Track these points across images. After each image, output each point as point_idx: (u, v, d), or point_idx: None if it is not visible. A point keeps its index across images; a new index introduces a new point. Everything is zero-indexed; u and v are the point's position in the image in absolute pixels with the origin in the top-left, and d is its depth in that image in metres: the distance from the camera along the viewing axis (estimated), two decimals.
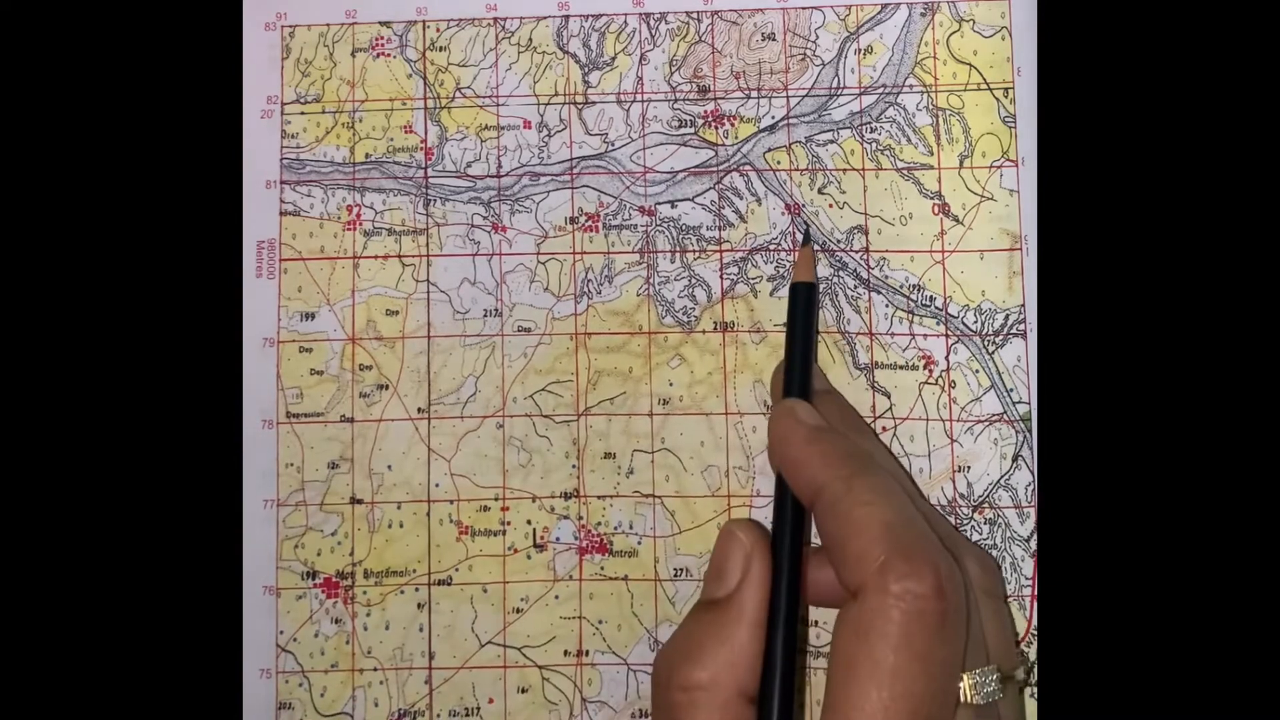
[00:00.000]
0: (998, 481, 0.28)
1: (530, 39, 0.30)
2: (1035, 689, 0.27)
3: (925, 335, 0.28)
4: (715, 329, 0.29)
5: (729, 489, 0.28)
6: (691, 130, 0.29)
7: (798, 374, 0.25)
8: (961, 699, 0.21)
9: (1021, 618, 0.27)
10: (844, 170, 0.29)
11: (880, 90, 0.29)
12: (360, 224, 0.29)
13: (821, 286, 0.29)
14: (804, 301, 0.26)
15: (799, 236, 0.29)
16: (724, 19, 0.30)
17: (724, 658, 0.21)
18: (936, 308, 0.28)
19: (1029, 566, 0.27)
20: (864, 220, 0.29)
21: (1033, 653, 0.27)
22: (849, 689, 0.20)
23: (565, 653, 0.28)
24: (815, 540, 0.24)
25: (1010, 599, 0.27)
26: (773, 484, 0.25)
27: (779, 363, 0.27)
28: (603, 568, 0.28)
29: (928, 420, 0.28)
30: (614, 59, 0.30)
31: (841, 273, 0.29)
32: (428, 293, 0.29)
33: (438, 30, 0.30)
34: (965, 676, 0.21)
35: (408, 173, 0.30)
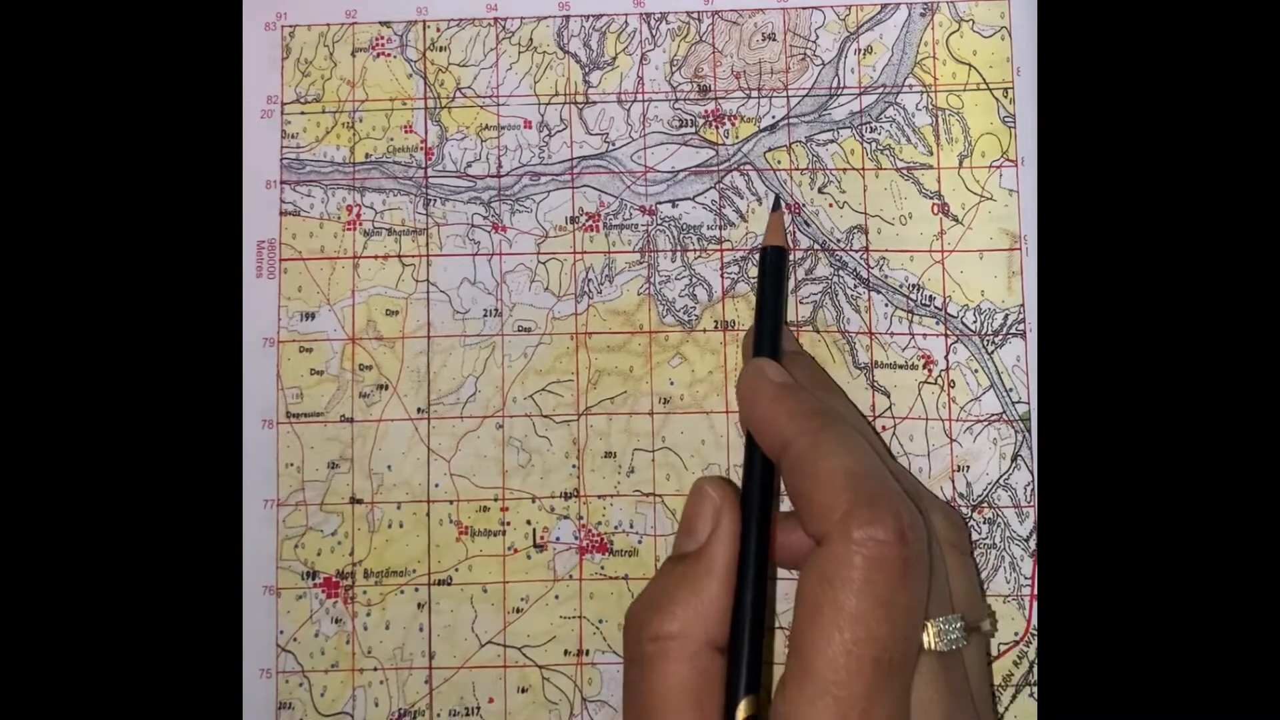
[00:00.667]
0: (997, 481, 0.28)
1: (531, 39, 0.30)
2: (1035, 688, 0.27)
3: (925, 335, 0.28)
4: (716, 328, 0.29)
5: None
6: (692, 130, 0.29)
7: (768, 335, 0.26)
8: (925, 645, 0.21)
9: (1021, 617, 0.27)
10: (844, 170, 0.29)
11: (880, 90, 0.29)
12: (360, 224, 0.29)
13: (821, 286, 0.29)
14: (773, 264, 0.27)
15: (798, 236, 0.29)
16: (724, 19, 0.30)
17: (694, 609, 0.22)
18: (936, 307, 0.28)
19: (1028, 566, 0.28)
20: (864, 220, 0.29)
21: (1032, 651, 0.27)
22: (813, 633, 0.20)
23: (565, 652, 0.28)
24: (786, 505, 0.24)
25: (1010, 598, 0.27)
26: (745, 447, 0.25)
27: (750, 326, 0.27)
28: (603, 567, 0.28)
29: (927, 420, 0.28)
30: (615, 59, 0.30)
31: (841, 272, 0.29)
32: (428, 293, 0.29)
33: (438, 30, 0.30)
34: (929, 624, 0.21)
35: (408, 173, 0.30)
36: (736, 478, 0.28)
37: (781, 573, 0.27)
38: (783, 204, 0.29)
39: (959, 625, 0.22)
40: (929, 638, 0.21)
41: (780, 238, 0.27)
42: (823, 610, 0.20)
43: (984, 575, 0.28)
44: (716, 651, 0.22)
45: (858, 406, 0.28)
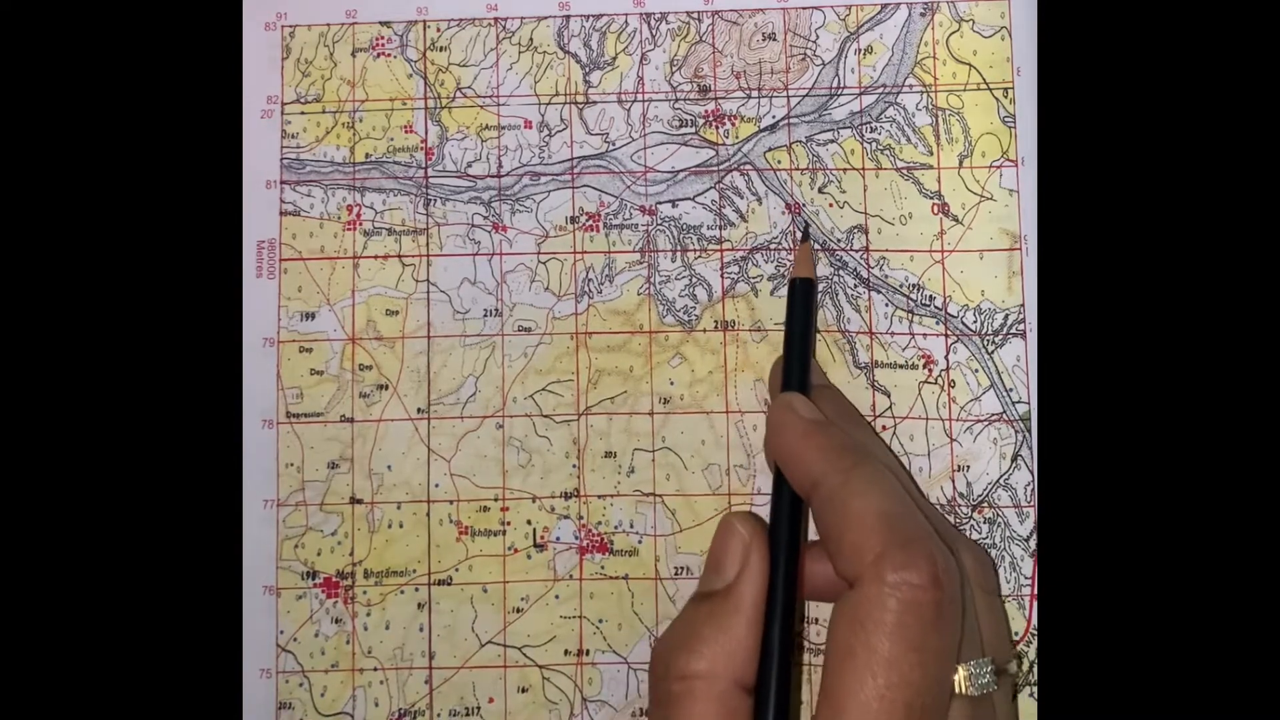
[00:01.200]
0: (997, 481, 0.28)
1: (531, 39, 0.30)
2: (1035, 688, 0.27)
3: (925, 335, 0.28)
4: (716, 328, 0.29)
5: (730, 487, 0.28)
6: (692, 130, 0.29)
7: (796, 369, 0.26)
8: (956, 690, 0.21)
9: (1021, 617, 0.27)
10: (844, 170, 0.29)
11: (880, 90, 0.29)
12: (360, 224, 0.29)
13: (821, 286, 0.29)
14: (802, 297, 0.27)
15: (799, 235, 0.29)
16: (724, 19, 0.30)
17: (722, 648, 0.21)
18: (936, 307, 0.28)
19: (1028, 566, 0.27)
20: (864, 220, 0.29)
21: (1032, 651, 0.27)
22: (844, 677, 0.20)
23: (565, 652, 0.28)
24: (813, 536, 0.24)
25: (1010, 598, 0.27)
26: (772, 483, 0.25)
27: (778, 358, 0.27)
28: (603, 567, 0.28)
29: (927, 419, 0.28)
30: (615, 59, 0.30)
31: (841, 272, 0.29)
32: (428, 293, 0.29)
33: (438, 30, 0.30)
34: (960, 667, 0.21)
35: (408, 173, 0.30)
36: (736, 476, 0.28)
37: (810, 609, 0.27)
38: (812, 234, 0.28)
39: (989, 669, 0.22)
40: (960, 682, 0.21)
41: (808, 269, 0.27)
42: (855, 654, 0.20)
43: None
44: (744, 691, 0.21)
45: (886, 443, 0.27)
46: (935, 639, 0.20)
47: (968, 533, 0.28)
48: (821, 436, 0.23)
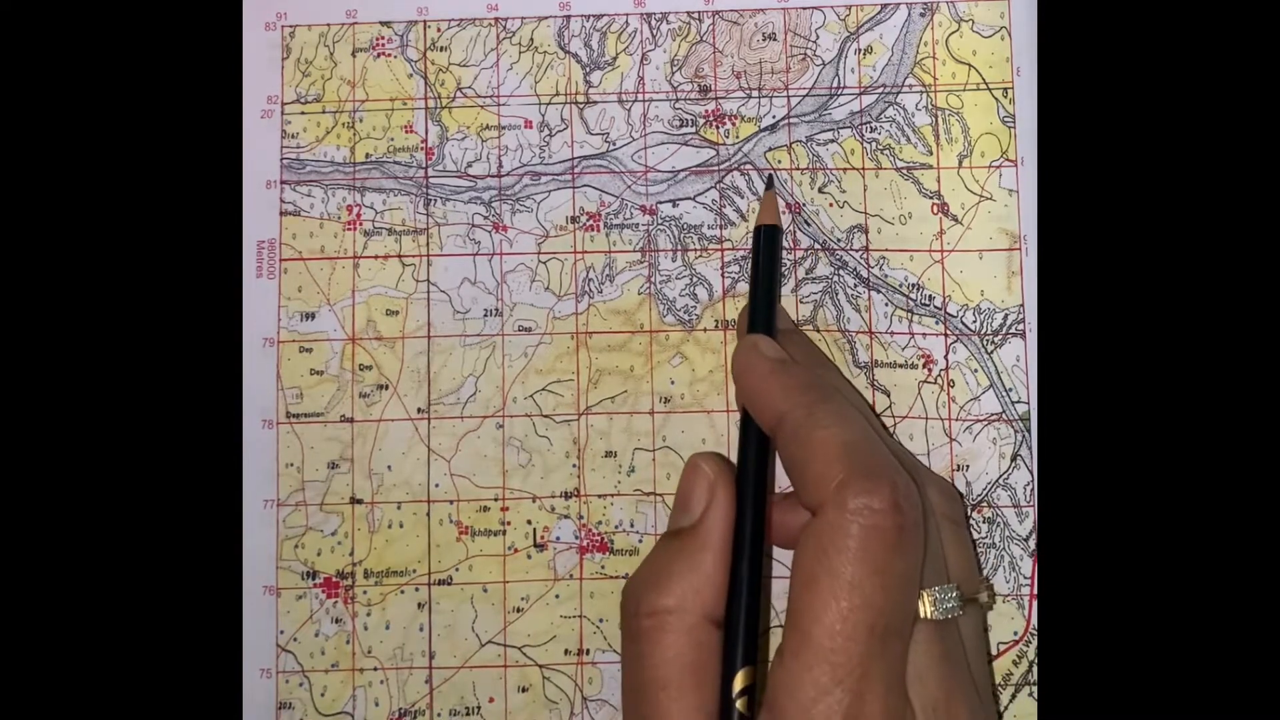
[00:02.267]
0: (996, 481, 0.28)
1: (531, 39, 0.30)
2: (1035, 688, 0.27)
3: (924, 334, 0.28)
4: (716, 327, 0.29)
5: None
6: (692, 130, 0.29)
7: (761, 311, 0.26)
8: (921, 614, 0.22)
9: (1021, 617, 0.27)
10: (844, 170, 0.29)
11: (880, 90, 0.29)
12: (360, 224, 0.29)
13: (821, 286, 0.29)
14: (767, 243, 0.27)
15: (799, 236, 0.29)
16: (725, 19, 0.30)
17: (690, 584, 0.22)
18: (936, 307, 0.28)
19: (1028, 566, 0.28)
20: (864, 219, 0.29)
21: (1032, 651, 0.27)
22: (809, 601, 0.20)
23: (566, 651, 0.28)
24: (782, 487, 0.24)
25: (1009, 598, 0.27)
26: (740, 423, 0.25)
27: (745, 305, 0.27)
28: (603, 566, 0.28)
29: (927, 419, 0.28)
30: (615, 59, 0.30)
31: (841, 271, 0.29)
32: (428, 293, 0.29)
33: (438, 30, 0.30)
34: (925, 593, 0.22)
35: (408, 173, 0.30)
36: None
37: (777, 552, 0.27)
38: (775, 182, 0.29)
39: (954, 595, 0.22)
40: (924, 606, 0.22)
41: (773, 216, 0.27)
42: (819, 579, 0.20)
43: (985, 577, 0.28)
44: (713, 625, 0.22)
45: (852, 383, 0.28)
46: (897, 562, 0.20)
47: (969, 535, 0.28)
48: (786, 375, 0.24)
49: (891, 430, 0.28)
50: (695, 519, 0.23)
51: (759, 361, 0.24)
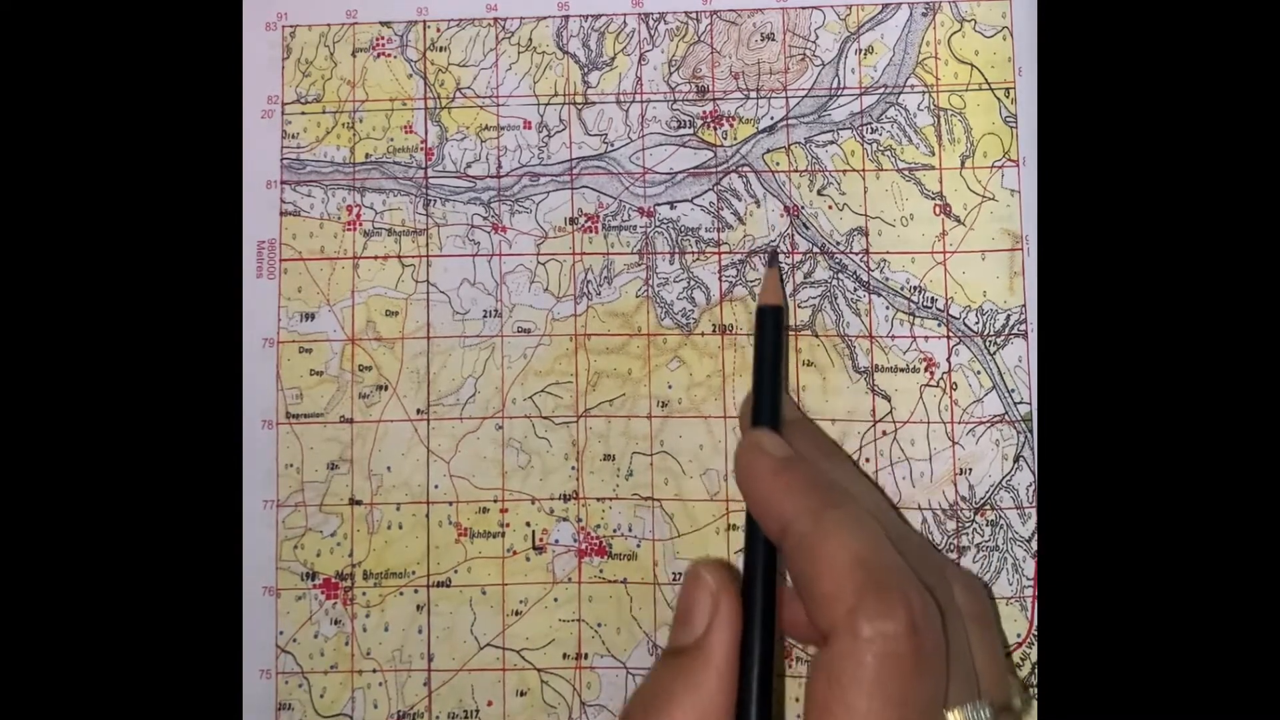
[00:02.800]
0: (999, 483, 0.28)
1: (530, 39, 0.30)
2: (1035, 688, 0.27)
3: (926, 337, 0.28)
4: (714, 331, 0.29)
5: (728, 493, 0.28)
6: (690, 131, 0.29)
7: (766, 402, 0.24)
8: None
9: (1023, 619, 0.27)
10: (844, 171, 0.29)
11: (881, 90, 0.29)
12: (360, 224, 0.29)
13: (820, 290, 0.29)
14: (772, 325, 0.25)
15: (797, 239, 0.29)
16: (723, 19, 0.30)
17: (693, 707, 0.20)
18: (938, 309, 0.28)
19: (1031, 567, 0.27)
20: (864, 222, 0.29)
21: (1033, 652, 0.27)
22: None
23: (564, 655, 0.28)
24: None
25: (1012, 600, 0.27)
26: (745, 526, 0.23)
27: (748, 393, 0.25)
28: (602, 570, 0.28)
29: (929, 423, 0.28)
30: (613, 59, 0.30)
31: (841, 275, 0.29)
32: (427, 293, 0.29)
33: (438, 30, 0.30)
34: (954, 713, 0.20)
35: (408, 173, 0.30)
36: (734, 483, 0.28)
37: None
38: (779, 258, 0.28)
39: (986, 712, 0.20)
40: None
41: (776, 295, 0.25)
42: (833, 713, 0.19)
43: (986, 578, 0.28)
44: None
45: (867, 475, 0.26)
46: (918, 691, 0.19)
47: (970, 536, 0.28)
48: (791, 475, 0.22)
49: (893, 436, 0.28)
50: (697, 635, 0.21)
51: (761, 462, 0.22)
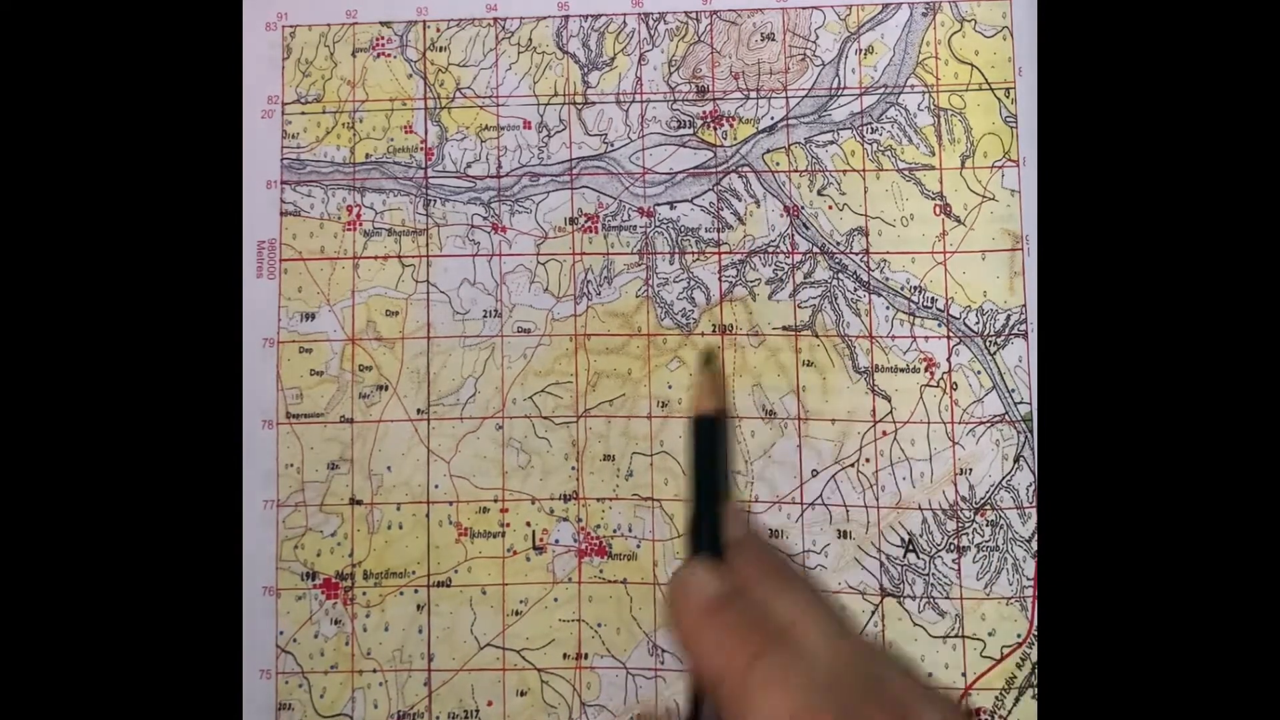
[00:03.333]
0: (999, 483, 0.28)
1: (530, 39, 0.30)
2: (1035, 688, 0.27)
3: (927, 337, 0.28)
4: (714, 331, 0.29)
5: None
6: (690, 131, 0.29)
7: (706, 526, 0.20)
8: None
9: (1024, 619, 0.27)
10: (844, 171, 0.29)
11: (881, 90, 0.29)
12: (360, 224, 0.29)
13: (820, 290, 0.29)
14: (709, 437, 0.20)
15: (797, 239, 0.29)
16: (723, 19, 0.30)
17: None
18: (938, 309, 0.28)
19: (1031, 567, 0.27)
20: (864, 222, 0.29)
21: (1033, 652, 0.27)
22: None
23: (564, 655, 0.28)
24: None
25: (1013, 600, 0.27)
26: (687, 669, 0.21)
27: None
28: (602, 570, 0.28)
29: (929, 423, 0.28)
30: (613, 59, 0.30)
31: (841, 275, 0.29)
32: (427, 293, 0.29)
33: (438, 30, 0.30)
34: None
35: (408, 173, 0.30)
36: (733, 482, 0.28)
37: None
38: (715, 356, 0.24)
39: None
40: None
41: (716, 400, 0.21)
42: None
43: (986, 578, 0.28)
44: None
45: (827, 595, 0.21)
46: None
47: (970, 537, 0.28)
48: (725, 617, 0.19)
49: (893, 437, 0.28)
50: None
51: (690, 603, 0.19)
